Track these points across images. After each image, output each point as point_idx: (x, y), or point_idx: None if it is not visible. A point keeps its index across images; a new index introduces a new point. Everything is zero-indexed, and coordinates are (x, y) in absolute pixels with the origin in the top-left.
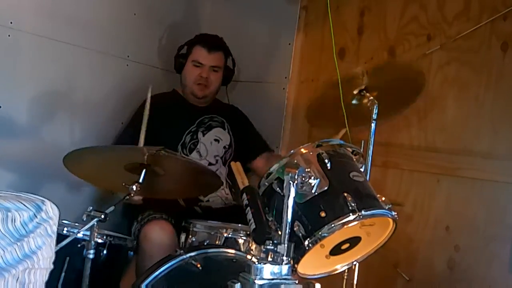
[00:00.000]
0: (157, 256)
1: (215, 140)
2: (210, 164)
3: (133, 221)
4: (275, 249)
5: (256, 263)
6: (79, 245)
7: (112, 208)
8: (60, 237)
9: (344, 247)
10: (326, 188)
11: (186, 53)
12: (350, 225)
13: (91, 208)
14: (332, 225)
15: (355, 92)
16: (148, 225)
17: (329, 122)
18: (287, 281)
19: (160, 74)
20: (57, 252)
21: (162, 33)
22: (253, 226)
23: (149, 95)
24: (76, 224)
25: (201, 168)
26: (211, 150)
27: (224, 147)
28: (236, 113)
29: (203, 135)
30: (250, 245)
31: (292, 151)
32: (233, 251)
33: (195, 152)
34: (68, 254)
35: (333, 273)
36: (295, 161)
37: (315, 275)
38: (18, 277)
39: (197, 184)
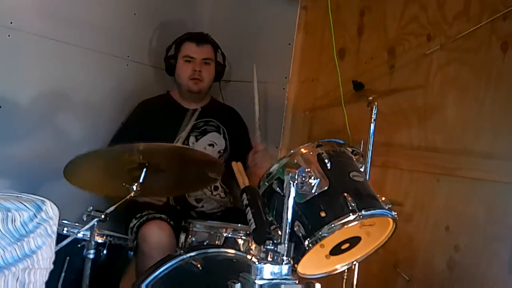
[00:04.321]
0: (156, 256)
1: (210, 145)
2: None
3: (131, 218)
4: (275, 249)
5: (256, 263)
6: (79, 245)
7: (112, 208)
8: (60, 237)
9: (344, 247)
10: (326, 188)
11: (175, 53)
12: (350, 225)
13: (91, 208)
14: (332, 225)
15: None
16: (147, 225)
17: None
18: (287, 281)
19: (160, 74)
20: (57, 252)
21: (162, 33)
22: (253, 226)
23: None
24: (76, 224)
25: (199, 154)
26: None
27: (219, 151)
28: (233, 115)
29: (196, 140)
30: (250, 245)
31: (292, 151)
32: (233, 251)
33: None
34: (68, 254)
35: (333, 273)
36: (295, 161)
37: (315, 275)
38: (18, 277)
39: (198, 174)
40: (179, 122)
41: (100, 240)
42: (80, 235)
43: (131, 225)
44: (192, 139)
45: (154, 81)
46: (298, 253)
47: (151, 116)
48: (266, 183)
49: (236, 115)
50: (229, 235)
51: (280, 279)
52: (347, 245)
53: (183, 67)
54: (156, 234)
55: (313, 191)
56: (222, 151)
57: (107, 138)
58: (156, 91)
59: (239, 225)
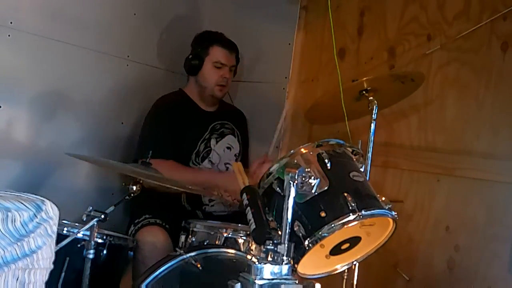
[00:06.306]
0: (151, 262)
1: (228, 148)
2: (220, 172)
3: (130, 224)
4: (275, 249)
5: (256, 263)
6: (79, 245)
7: (112, 208)
8: (60, 237)
9: (344, 247)
10: (326, 188)
11: (201, 54)
12: (350, 225)
13: (91, 208)
14: (332, 225)
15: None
16: (141, 232)
17: (329, 119)
18: (287, 281)
19: (160, 74)
20: (57, 252)
21: (162, 33)
22: (253, 226)
23: None
24: (76, 224)
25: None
26: (223, 157)
27: (235, 155)
28: (243, 120)
29: (217, 142)
30: (250, 245)
31: (292, 151)
32: (233, 251)
33: (207, 161)
34: (68, 254)
35: (333, 273)
36: (295, 161)
37: (315, 275)
38: (18, 277)
39: None
40: (199, 123)
41: (100, 240)
42: (80, 235)
43: (129, 231)
44: (213, 141)
45: (154, 81)
46: (298, 253)
47: (174, 117)
48: (266, 183)
49: (244, 120)
50: (229, 235)
51: (280, 279)
52: (347, 245)
53: (211, 72)
54: (150, 241)
55: (313, 191)
56: (237, 154)
57: (107, 138)
58: (156, 91)
59: (239, 225)
